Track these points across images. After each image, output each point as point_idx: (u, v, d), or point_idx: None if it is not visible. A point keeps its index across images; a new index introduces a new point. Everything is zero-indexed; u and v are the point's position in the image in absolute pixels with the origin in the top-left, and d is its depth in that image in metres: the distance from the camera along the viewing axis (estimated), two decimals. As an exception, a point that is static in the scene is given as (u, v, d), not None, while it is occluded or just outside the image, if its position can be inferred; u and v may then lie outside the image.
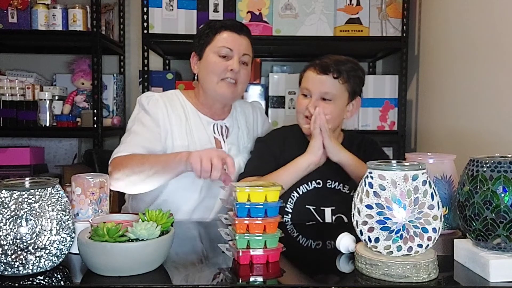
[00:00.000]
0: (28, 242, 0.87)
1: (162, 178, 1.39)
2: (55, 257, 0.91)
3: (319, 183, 1.46)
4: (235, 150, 1.59)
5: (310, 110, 1.42)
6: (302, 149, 1.49)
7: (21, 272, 0.87)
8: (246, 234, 0.98)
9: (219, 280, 0.91)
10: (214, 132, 1.59)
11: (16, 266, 0.87)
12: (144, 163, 1.37)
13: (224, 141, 1.60)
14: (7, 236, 0.86)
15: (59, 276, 0.90)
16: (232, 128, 1.63)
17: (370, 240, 0.90)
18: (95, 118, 2.31)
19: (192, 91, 1.66)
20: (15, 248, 0.86)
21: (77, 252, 0.93)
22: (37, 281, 0.86)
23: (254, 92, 2.41)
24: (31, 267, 0.88)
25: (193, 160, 1.26)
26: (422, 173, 0.88)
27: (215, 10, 2.22)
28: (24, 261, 0.87)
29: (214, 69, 1.51)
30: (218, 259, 1.04)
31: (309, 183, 1.46)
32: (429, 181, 0.89)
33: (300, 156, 1.41)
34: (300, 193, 1.46)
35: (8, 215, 0.86)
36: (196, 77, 1.62)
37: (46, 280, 0.87)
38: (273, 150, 1.49)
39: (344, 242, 1.04)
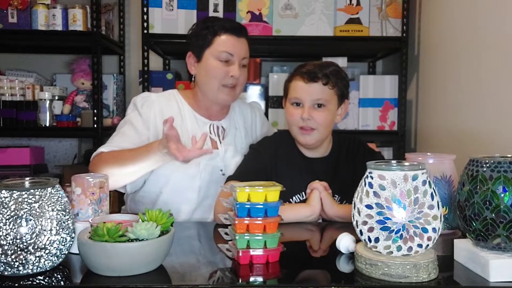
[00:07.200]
0: (28, 242, 0.87)
1: (141, 170, 1.41)
2: (55, 257, 0.91)
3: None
4: (232, 151, 1.59)
5: (305, 120, 1.41)
6: (294, 159, 1.50)
7: (21, 272, 0.87)
8: (246, 234, 0.98)
9: (219, 280, 0.91)
10: (210, 133, 1.59)
11: (16, 266, 0.87)
12: (120, 159, 1.39)
13: (220, 142, 1.59)
14: (7, 236, 0.86)
15: (59, 276, 0.90)
16: (229, 129, 1.63)
17: (370, 240, 0.90)
18: (95, 118, 2.31)
19: (190, 91, 1.65)
20: (15, 248, 0.86)
21: (77, 252, 0.93)
22: (37, 281, 0.87)
23: (254, 92, 2.41)
24: (31, 267, 0.88)
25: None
26: (422, 173, 0.88)
27: (215, 10, 2.22)
28: (24, 261, 0.87)
29: (215, 74, 1.50)
30: (218, 259, 1.04)
31: (302, 193, 1.46)
32: (429, 181, 0.89)
33: (303, 204, 1.39)
34: (293, 203, 1.46)
35: (8, 215, 0.86)
36: (193, 77, 1.60)
37: (46, 280, 0.87)
38: (264, 161, 1.48)
39: (344, 242, 1.04)
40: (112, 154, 1.41)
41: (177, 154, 1.24)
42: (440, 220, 0.89)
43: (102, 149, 1.44)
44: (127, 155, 1.38)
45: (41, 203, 0.89)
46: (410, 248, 0.87)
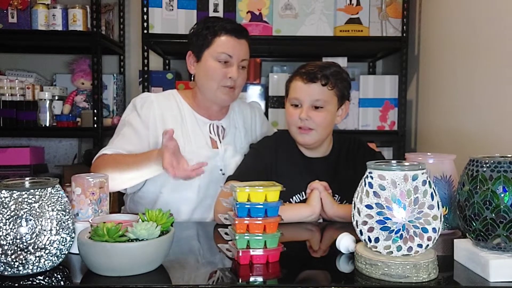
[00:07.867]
0: (28, 242, 0.87)
1: (141, 176, 1.42)
2: (55, 257, 0.91)
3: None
4: (231, 150, 1.59)
5: (302, 120, 1.41)
6: (295, 159, 1.50)
7: (21, 272, 0.87)
8: (246, 234, 0.98)
9: (219, 280, 0.91)
10: (210, 132, 1.59)
11: (16, 266, 0.87)
12: (121, 163, 1.39)
13: (220, 142, 1.59)
14: (7, 236, 0.86)
15: (59, 276, 0.90)
16: (228, 128, 1.63)
17: (370, 240, 0.90)
18: (95, 118, 2.31)
19: (190, 91, 1.65)
20: (15, 248, 0.86)
21: (77, 252, 0.93)
22: (37, 281, 0.87)
23: (254, 92, 2.41)
24: (31, 267, 0.88)
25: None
26: (422, 173, 0.88)
27: (215, 10, 2.22)
28: (24, 261, 0.87)
29: (213, 75, 1.50)
30: (217, 259, 1.04)
31: (302, 193, 1.46)
32: (429, 181, 0.89)
33: (303, 204, 1.39)
34: (293, 203, 1.46)
35: (8, 215, 0.86)
36: (192, 77, 1.60)
37: (46, 280, 0.87)
38: (264, 161, 1.48)
39: (344, 242, 1.04)
40: (113, 157, 1.41)
41: (170, 169, 1.25)
42: (440, 220, 0.89)
43: (104, 151, 1.44)
44: (128, 161, 1.39)
45: (41, 203, 0.89)
46: (410, 248, 0.87)
